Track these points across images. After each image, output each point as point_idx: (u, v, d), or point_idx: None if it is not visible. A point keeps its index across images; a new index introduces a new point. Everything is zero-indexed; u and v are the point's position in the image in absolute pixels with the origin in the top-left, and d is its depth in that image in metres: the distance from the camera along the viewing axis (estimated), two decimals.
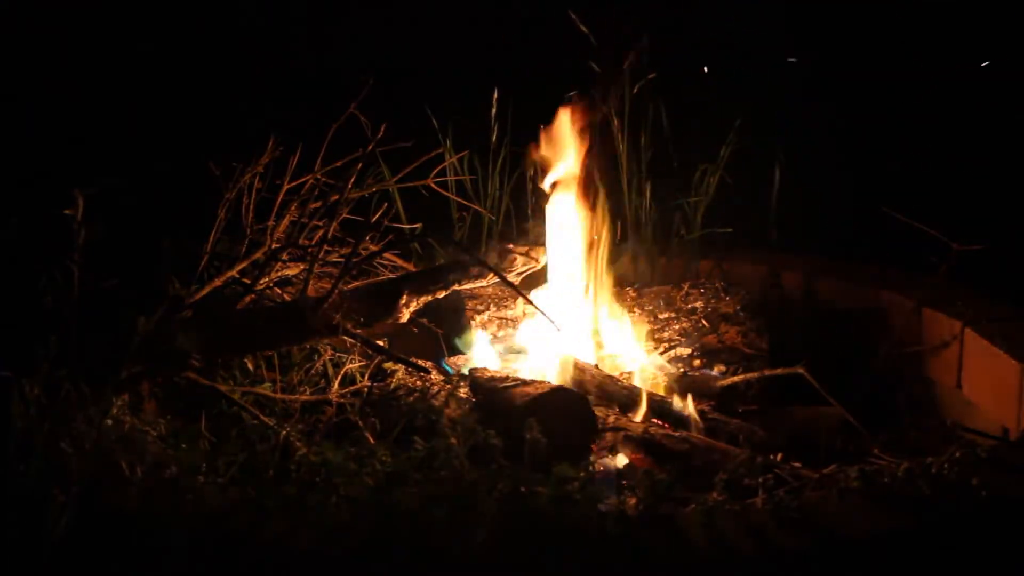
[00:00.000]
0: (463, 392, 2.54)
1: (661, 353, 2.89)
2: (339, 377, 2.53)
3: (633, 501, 1.97)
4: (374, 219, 2.83)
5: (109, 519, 1.75)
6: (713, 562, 1.65)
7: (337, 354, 2.63)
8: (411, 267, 3.01)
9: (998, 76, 3.24)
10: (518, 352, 2.91)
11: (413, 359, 2.50)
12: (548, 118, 2.83)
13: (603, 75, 3.01)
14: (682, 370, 2.78)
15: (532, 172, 3.11)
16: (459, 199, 3.34)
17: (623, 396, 2.55)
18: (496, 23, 3.63)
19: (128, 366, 2.10)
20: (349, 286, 2.59)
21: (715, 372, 2.82)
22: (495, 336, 3.04)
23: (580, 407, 2.37)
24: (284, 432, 2.16)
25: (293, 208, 2.72)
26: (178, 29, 3.59)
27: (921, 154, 3.27)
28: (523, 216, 3.40)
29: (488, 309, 3.19)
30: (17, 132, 3.10)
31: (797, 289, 3.18)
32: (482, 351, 2.91)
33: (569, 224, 2.87)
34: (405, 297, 2.63)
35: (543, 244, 2.93)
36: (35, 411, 1.86)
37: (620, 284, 3.17)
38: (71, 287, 2.06)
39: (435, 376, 2.64)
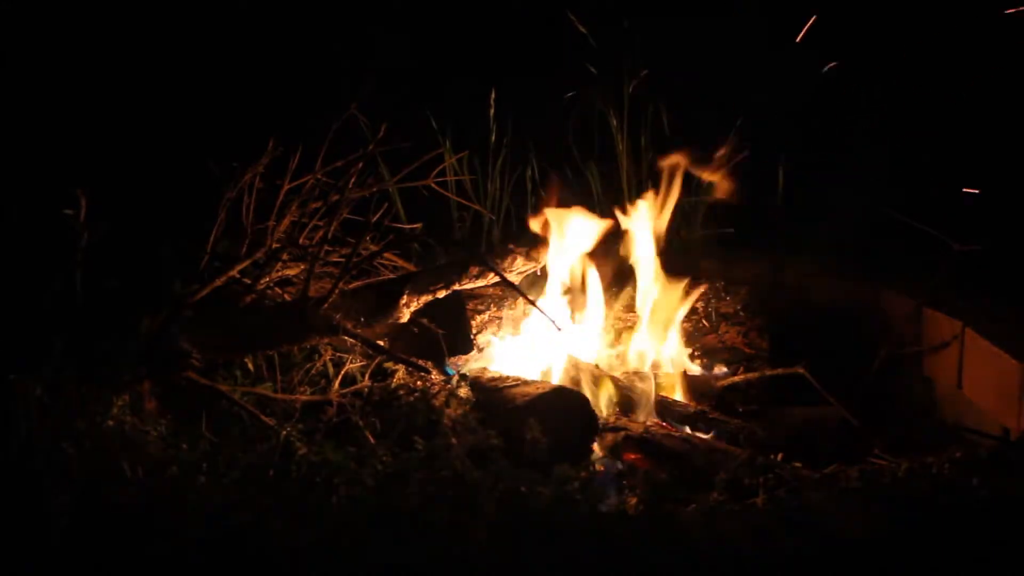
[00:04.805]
0: (463, 392, 2.55)
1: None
2: (339, 377, 2.53)
3: (633, 501, 1.97)
4: (374, 219, 2.83)
5: (109, 519, 1.75)
6: (713, 562, 1.66)
7: (337, 354, 2.63)
8: (411, 267, 3.01)
9: (998, 75, 3.24)
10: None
11: (413, 359, 2.50)
12: (547, 119, 2.83)
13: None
14: (683, 370, 2.79)
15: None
16: (459, 199, 3.34)
17: (623, 396, 2.56)
18: (496, 23, 3.63)
19: (130, 367, 2.10)
20: (350, 286, 2.60)
21: (716, 372, 2.82)
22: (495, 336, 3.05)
23: (580, 407, 2.37)
24: (284, 432, 2.15)
25: (293, 208, 2.72)
26: (178, 28, 3.59)
27: (921, 154, 3.27)
28: (523, 216, 3.40)
29: (488, 309, 3.19)
30: (18, 132, 3.10)
31: (797, 289, 3.18)
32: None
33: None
34: (405, 297, 2.63)
35: (544, 243, 2.93)
36: (37, 411, 1.86)
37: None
38: (73, 288, 2.07)
39: (435, 376, 2.64)
